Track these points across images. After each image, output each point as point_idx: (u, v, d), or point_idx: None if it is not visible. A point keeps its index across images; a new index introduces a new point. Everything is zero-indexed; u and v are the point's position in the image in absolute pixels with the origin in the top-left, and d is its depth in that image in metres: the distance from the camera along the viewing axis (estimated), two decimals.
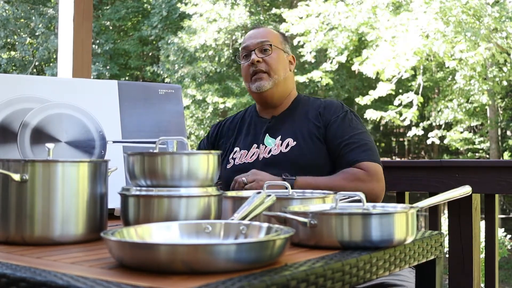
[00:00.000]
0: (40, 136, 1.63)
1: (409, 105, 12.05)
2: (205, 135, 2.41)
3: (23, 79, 1.72)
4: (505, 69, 11.57)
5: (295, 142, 2.02)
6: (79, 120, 1.69)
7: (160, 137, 1.78)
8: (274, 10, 13.23)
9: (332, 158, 2.02)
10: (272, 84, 2.09)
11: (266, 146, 2.07)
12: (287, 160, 1.99)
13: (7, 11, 12.82)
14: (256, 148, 2.09)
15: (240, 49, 2.22)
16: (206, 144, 2.32)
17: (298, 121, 2.09)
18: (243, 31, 13.35)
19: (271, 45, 2.11)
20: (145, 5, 13.93)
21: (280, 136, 2.07)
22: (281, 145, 2.04)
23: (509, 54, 11.08)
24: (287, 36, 2.28)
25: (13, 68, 13.26)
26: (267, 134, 2.10)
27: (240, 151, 2.13)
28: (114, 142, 1.72)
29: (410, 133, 13.00)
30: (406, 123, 11.94)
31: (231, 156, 2.14)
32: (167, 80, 13.36)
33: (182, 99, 1.92)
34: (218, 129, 2.31)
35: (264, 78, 2.09)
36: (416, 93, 11.98)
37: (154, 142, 1.76)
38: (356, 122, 2.08)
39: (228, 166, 2.11)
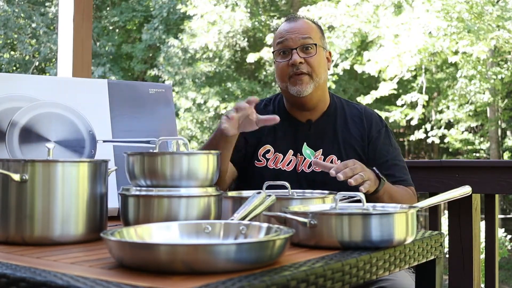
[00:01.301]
0: (29, 135, 1.61)
1: (411, 105, 12.05)
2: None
3: (11, 77, 1.69)
4: (505, 66, 11.58)
5: (339, 161, 1.89)
6: (68, 119, 1.67)
7: (150, 136, 1.79)
8: (275, 21, 13.20)
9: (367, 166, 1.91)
10: (313, 88, 1.90)
11: (304, 158, 1.92)
12: (330, 179, 1.82)
13: (7, 11, 12.82)
14: (293, 155, 1.93)
15: (275, 43, 1.97)
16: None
17: (339, 132, 1.96)
18: (245, 35, 13.34)
19: (315, 44, 1.91)
20: (147, 7, 13.94)
21: (321, 150, 1.93)
22: (324, 161, 1.90)
23: (510, 53, 11.08)
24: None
25: (14, 68, 13.26)
26: (305, 143, 1.94)
27: (274, 152, 1.94)
28: (104, 141, 1.71)
29: (412, 137, 12.98)
30: (413, 123, 11.93)
31: (261, 153, 1.95)
32: (167, 82, 13.35)
33: (173, 98, 1.89)
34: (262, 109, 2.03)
35: (306, 81, 1.89)
36: (420, 92, 11.98)
37: (145, 142, 1.76)
38: (392, 137, 2.01)
39: (258, 164, 1.94)
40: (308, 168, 1.91)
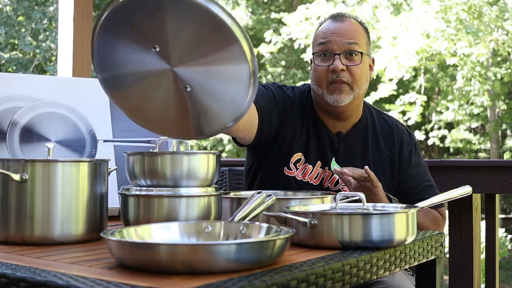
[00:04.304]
0: (29, 135, 1.61)
1: (410, 105, 12.05)
2: (280, 90, 1.88)
3: (11, 77, 1.69)
4: (505, 66, 11.58)
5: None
6: (69, 119, 1.68)
7: (150, 136, 1.78)
8: (273, 15, 13.17)
9: (396, 188, 1.88)
10: (351, 99, 1.78)
11: (332, 174, 1.81)
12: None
13: (8, 10, 12.81)
14: (320, 167, 1.83)
15: (316, 43, 1.82)
16: (279, 98, 1.84)
17: (370, 152, 1.86)
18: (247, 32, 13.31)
19: (361, 53, 1.77)
20: None
21: None
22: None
23: (509, 54, 11.08)
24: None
25: (14, 67, 13.25)
26: (334, 159, 1.83)
27: (304, 162, 1.83)
28: (105, 141, 1.71)
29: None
30: (410, 123, 11.93)
31: (292, 161, 1.83)
32: None
33: None
34: (289, 104, 1.87)
35: (345, 91, 1.76)
36: (418, 93, 11.98)
37: (146, 141, 1.76)
38: (420, 154, 1.95)
39: (288, 173, 1.83)
40: (334, 186, 1.83)
